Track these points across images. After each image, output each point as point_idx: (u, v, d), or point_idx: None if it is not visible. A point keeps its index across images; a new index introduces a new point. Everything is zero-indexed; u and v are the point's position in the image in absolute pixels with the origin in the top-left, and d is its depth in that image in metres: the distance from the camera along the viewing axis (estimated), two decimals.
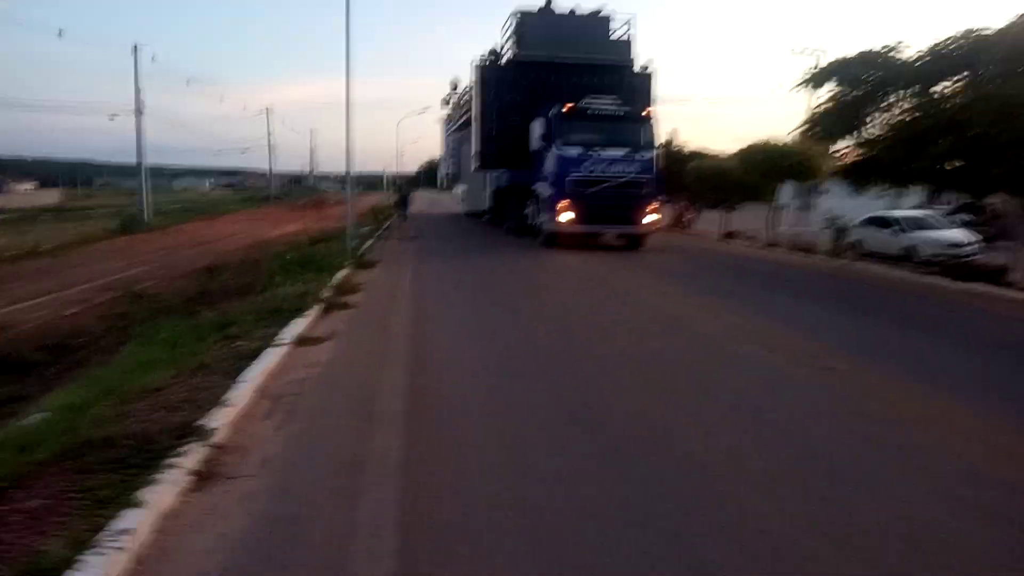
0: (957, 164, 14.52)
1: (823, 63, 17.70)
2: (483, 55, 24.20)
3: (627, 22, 23.69)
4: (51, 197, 69.26)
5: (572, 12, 23.87)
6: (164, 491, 3.86)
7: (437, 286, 13.14)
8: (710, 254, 19.78)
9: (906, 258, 17.92)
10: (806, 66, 18.12)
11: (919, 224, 18.97)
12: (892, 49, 15.66)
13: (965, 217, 21.02)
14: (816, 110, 17.83)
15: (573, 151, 18.59)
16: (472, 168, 26.62)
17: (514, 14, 23.35)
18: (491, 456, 4.69)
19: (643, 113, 19.80)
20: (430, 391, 6.20)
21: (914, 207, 22.12)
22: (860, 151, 17.19)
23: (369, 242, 20.88)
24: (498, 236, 24.09)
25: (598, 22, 23.60)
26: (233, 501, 3.98)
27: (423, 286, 12.87)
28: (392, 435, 5.01)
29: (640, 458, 4.68)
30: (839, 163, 18.76)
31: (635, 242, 19.85)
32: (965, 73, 14.24)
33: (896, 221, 19.17)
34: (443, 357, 7.54)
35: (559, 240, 19.19)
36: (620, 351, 7.84)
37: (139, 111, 37.95)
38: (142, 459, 4.23)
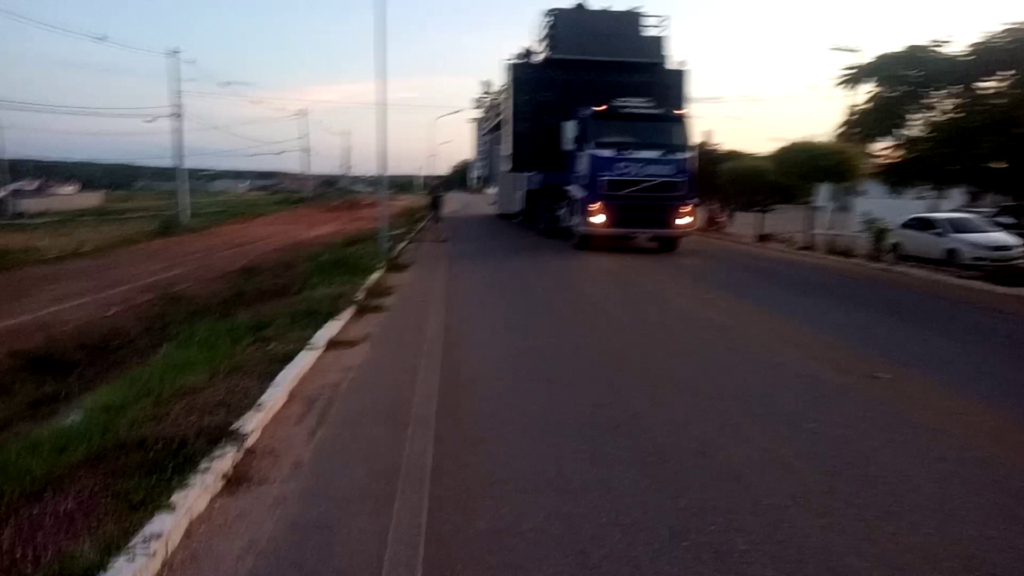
0: (1002, 165, 14.10)
1: (862, 60, 17.36)
2: (516, 54, 24.16)
3: (661, 19, 23.49)
4: (92, 199, 70.74)
5: (605, 10, 23.71)
6: (196, 495, 3.84)
7: (470, 289, 13.10)
8: (746, 257, 19.44)
9: (948, 262, 17.43)
10: (845, 63, 17.77)
11: (963, 226, 18.40)
12: (939, 44, 15.24)
13: (1006, 220, 20.31)
14: (856, 109, 17.46)
15: (606, 152, 18.39)
16: (504, 169, 26.60)
17: (547, 13, 23.26)
18: (527, 467, 4.59)
19: (677, 113, 19.56)
20: (464, 397, 6.13)
21: (953, 209, 21.55)
22: (900, 152, 16.78)
23: (402, 244, 20.94)
24: (530, 238, 24.00)
25: (631, 20, 23.37)
26: (264, 507, 3.95)
27: (456, 289, 12.83)
28: (426, 442, 4.95)
29: (681, 467, 4.56)
30: (879, 164, 18.35)
31: (669, 245, 19.59)
32: (1012, 72, 13.83)
33: (939, 223, 18.65)
34: (476, 362, 7.47)
35: (592, 243, 19.03)
36: (659, 359, 7.69)
37: (178, 115, 38.68)
38: (175, 462, 4.22)
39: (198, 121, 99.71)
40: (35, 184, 70.69)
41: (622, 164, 18.35)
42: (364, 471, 4.47)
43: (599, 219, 18.48)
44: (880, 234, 18.97)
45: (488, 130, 35.98)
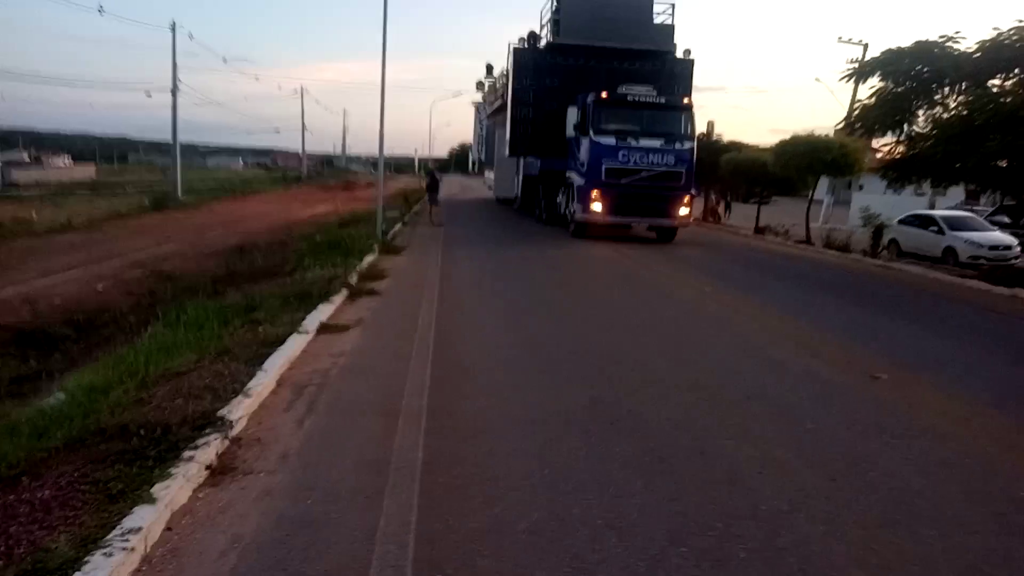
0: (1007, 164, 13.99)
1: (869, 53, 17.19)
2: (521, 38, 23.80)
3: (669, 6, 23.15)
4: (86, 172, 69.98)
5: None
6: (178, 486, 3.70)
7: (465, 275, 12.95)
8: (744, 250, 19.32)
9: (945, 260, 17.34)
10: (852, 55, 17.60)
11: (961, 224, 18.32)
12: (948, 40, 15.04)
13: (1001, 219, 20.20)
14: (861, 103, 17.30)
15: (608, 139, 18.15)
16: (504, 154, 26.30)
17: None
18: (521, 462, 4.46)
19: (683, 102, 19.32)
20: (456, 388, 5.99)
21: (952, 207, 21.45)
22: (904, 147, 16.64)
23: (398, 226, 20.75)
24: (528, 224, 23.82)
25: (639, 6, 22.95)
26: (249, 500, 3.81)
27: (450, 274, 12.67)
28: (417, 433, 4.82)
29: (677, 466, 4.44)
30: (881, 159, 18.21)
31: (667, 235, 19.43)
32: (1020, 70, 13.69)
33: (937, 221, 18.54)
34: (470, 352, 7.32)
35: (590, 231, 18.87)
36: (655, 352, 7.57)
37: (175, 89, 38.20)
38: (158, 450, 4.09)
39: (195, 96, 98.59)
40: (29, 155, 69.97)
41: (623, 152, 18.13)
42: (353, 464, 4.33)
43: (598, 207, 18.29)
44: (878, 230, 18.88)
45: (489, 114, 35.61)
